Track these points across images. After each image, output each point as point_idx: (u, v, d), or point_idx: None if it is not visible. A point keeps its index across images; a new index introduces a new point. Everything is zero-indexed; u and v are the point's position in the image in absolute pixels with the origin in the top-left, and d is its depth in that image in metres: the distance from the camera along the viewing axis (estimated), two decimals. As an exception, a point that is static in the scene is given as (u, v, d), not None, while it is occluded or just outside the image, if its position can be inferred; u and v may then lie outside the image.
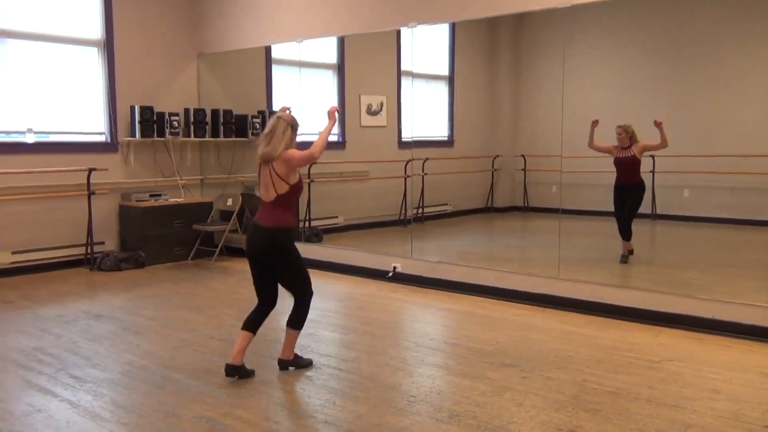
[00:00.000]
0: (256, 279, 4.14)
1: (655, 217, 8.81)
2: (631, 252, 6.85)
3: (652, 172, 7.57)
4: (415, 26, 6.57)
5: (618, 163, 6.80)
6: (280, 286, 4.16)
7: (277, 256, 4.04)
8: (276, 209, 4.02)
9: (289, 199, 4.04)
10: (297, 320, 4.19)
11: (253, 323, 4.11)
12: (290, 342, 4.23)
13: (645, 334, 4.96)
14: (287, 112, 4.12)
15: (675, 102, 8.83)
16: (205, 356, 4.51)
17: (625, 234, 6.81)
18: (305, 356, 4.39)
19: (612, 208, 7.00)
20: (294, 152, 3.96)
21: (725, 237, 7.68)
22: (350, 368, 4.30)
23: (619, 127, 6.73)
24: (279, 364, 4.25)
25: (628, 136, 6.70)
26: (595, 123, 6.76)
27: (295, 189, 4.03)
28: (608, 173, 9.22)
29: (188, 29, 8.43)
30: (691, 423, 3.41)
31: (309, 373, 4.19)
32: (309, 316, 4.34)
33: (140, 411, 3.61)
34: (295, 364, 4.26)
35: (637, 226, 6.96)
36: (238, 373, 4.06)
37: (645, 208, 8.30)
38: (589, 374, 4.11)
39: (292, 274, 4.12)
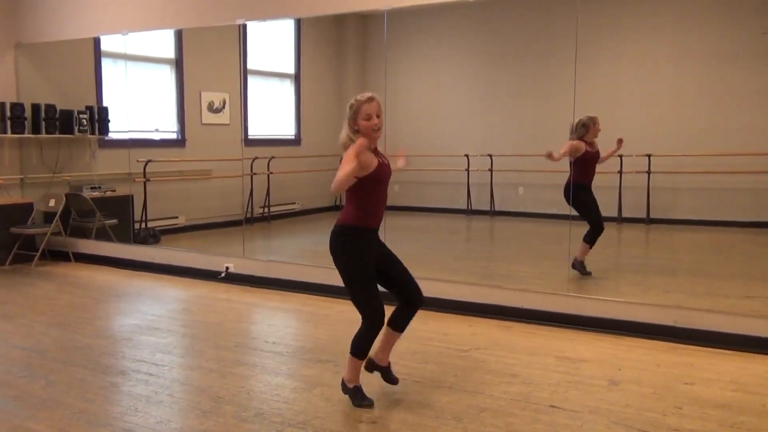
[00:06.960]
0: None
1: (494, 213, 9.27)
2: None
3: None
4: (243, 22, 6.47)
5: (594, 159, 6.10)
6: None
7: (333, 256, 3.53)
8: (346, 203, 3.56)
9: (354, 193, 3.47)
10: (353, 342, 3.62)
11: (393, 320, 3.76)
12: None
13: (460, 325, 5.18)
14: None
15: (489, 104, 9.45)
16: (2, 367, 4.19)
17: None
18: (113, 366, 4.19)
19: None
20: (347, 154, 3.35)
21: (550, 231, 8.09)
22: (161, 373, 4.15)
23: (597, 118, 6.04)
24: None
25: None
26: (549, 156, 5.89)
27: (361, 182, 3.41)
28: (437, 172, 9.64)
29: (2, 17, 7.81)
30: (485, 407, 3.60)
31: (114, 379, 4.01)
32: (128, 319, 4.12)
33: None
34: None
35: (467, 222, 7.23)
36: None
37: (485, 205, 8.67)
38: (402, 366, 4.22)
39: (344, 281, 3.61)
